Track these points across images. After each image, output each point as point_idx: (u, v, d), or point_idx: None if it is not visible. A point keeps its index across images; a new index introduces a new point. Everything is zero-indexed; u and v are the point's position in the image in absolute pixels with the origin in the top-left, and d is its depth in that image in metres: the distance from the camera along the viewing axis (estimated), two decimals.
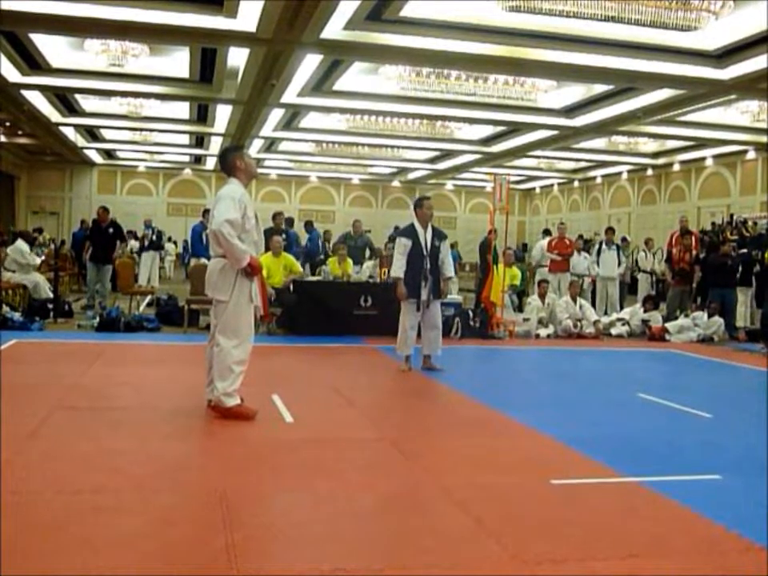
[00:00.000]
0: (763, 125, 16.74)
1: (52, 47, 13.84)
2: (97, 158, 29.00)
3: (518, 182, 30.92)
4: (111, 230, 12.77)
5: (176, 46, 13.47)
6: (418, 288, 7.87)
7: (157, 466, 4.30)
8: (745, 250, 14.32)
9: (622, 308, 13.65)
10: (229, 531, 3.28)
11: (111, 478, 4.02)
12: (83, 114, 19.91)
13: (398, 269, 7.91)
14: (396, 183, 32.74)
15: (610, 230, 14.84)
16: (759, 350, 10.77)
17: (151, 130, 21.93)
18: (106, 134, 23.74)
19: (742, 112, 16.06)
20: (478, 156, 23.76)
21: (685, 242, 13.21)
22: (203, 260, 12.11)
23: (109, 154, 28.22)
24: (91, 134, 23.96)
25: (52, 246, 18.75)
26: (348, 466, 4.46)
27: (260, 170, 29.36)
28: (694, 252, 13.28)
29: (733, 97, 14.33)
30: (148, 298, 13.28)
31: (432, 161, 26.28)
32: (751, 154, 20.91)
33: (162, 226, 25.06)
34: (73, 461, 4.34)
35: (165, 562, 2.99)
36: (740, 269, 12.86)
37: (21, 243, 12.63)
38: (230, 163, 5.59)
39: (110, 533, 3.26)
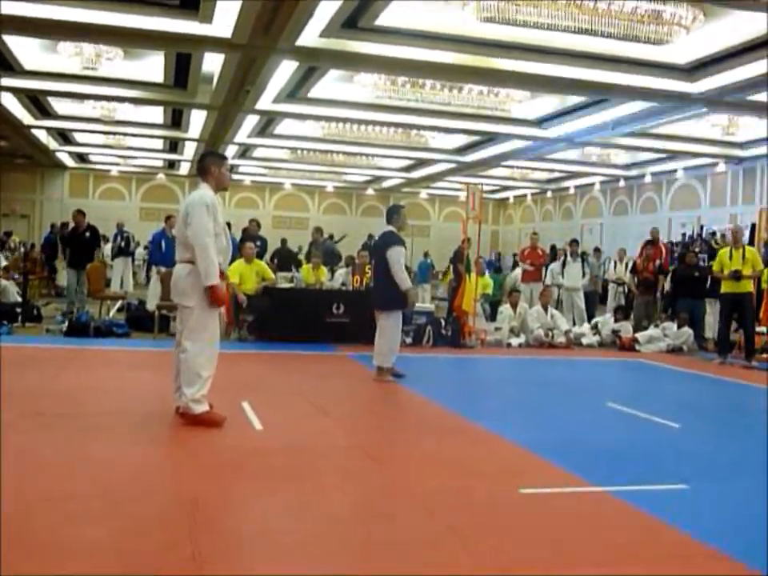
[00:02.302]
0: (733, 138, 16.98)
1: (24, 49, 13.66)
2: (69, 162, 28.68)
3: (491, 192, 31.04)
4: (88, 234, 12.66)
5: (150, 51, 13.38)
6: None
7: (126, 472, 4.26)
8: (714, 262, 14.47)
9: (591, 318, 13.75)
10: (197, 538, 3.26)
11: (80, 485, 3.99)
12: (55, 116, 19.68)
13: (408, 279, 7.93)
14: (370, 191, 32.75)
15: (574, 242, 14.98)
16: (712, 360, 11.01)
17: (124, 134, 21.74)
18: (79, 137, 23.49)
19: (713, 125, 16.26)
20: (452, 165, 23.86)
21: (647, 252, 13.38)
22: (161, 267, 12.05)
23: (81, 157, 27.91)
24: (63, 137, 23.69)
25: (22, 250, 18.48)
26: (318, 474, 4.45)
27: (234, 176, 29.23)
28: (657, 262, 13.45)
29: (703, 110, 14.52)
30: (118, 303, 13.16)
31: (406, 169, 26.32)
32: (721, 167, 21.19)
33: (135, 230, 24.84)
34: (42, 468, 4.28)
35: (133, 570, 2.97)
36: (709, 280, 13.01)
37: None
38: (205, 167, 5.59)
39: (80, 540, 3.23)
